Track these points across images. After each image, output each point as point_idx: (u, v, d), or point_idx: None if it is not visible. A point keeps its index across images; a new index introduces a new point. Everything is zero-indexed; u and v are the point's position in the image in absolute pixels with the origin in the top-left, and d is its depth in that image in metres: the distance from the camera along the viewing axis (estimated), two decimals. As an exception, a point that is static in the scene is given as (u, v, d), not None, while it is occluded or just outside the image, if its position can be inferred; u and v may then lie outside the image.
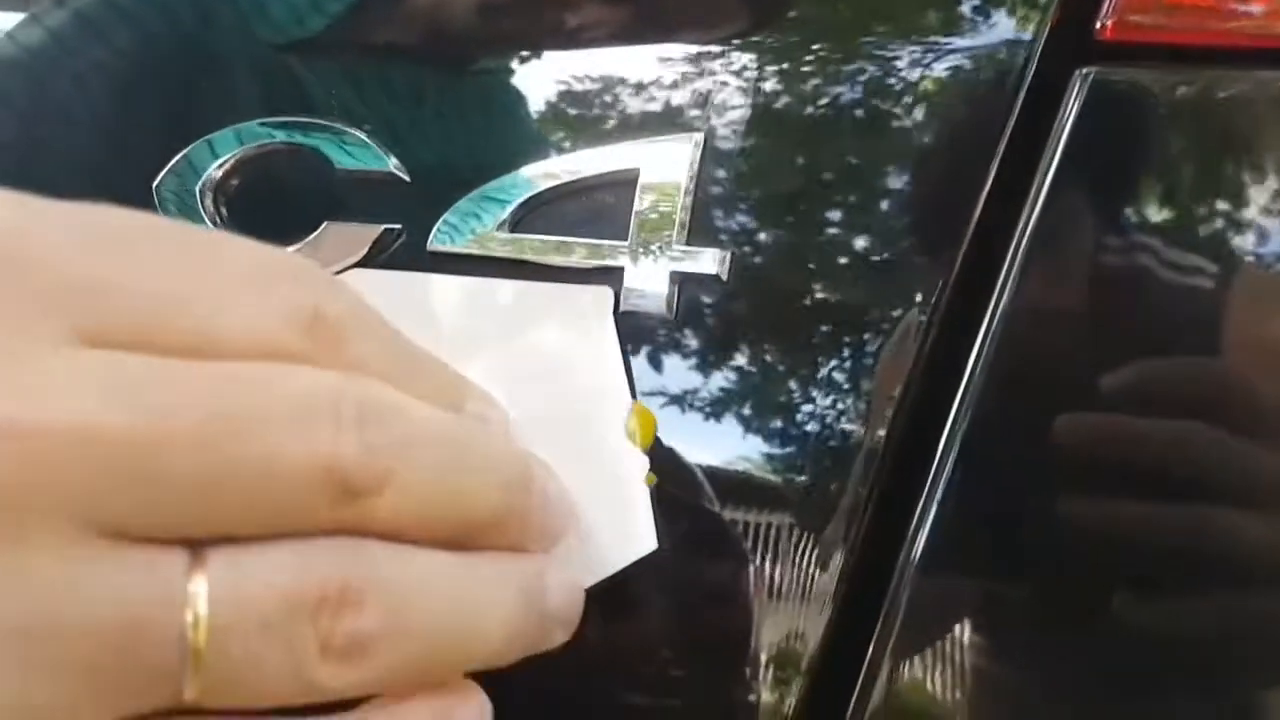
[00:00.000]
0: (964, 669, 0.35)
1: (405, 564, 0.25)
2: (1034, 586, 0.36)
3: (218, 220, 0.43)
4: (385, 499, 0.25)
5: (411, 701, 0.26)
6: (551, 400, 0.36)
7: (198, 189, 0.43)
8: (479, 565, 0.27)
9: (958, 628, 0.35)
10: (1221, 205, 0.35)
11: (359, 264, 0.41)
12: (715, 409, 0.38)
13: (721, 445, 0.38)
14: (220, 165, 0.43)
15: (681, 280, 0.38)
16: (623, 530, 0.34)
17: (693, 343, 0.38)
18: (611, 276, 0.39)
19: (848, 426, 0.37)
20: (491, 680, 0.28)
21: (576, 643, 0.30)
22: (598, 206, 0.40)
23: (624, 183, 0.39)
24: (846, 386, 0.37)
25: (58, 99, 0.46)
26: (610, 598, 0.34)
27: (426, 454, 0.26)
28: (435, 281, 0.39)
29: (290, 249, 0.41)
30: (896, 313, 0.37)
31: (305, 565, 0.24)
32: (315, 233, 0.41)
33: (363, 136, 0.42)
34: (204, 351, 0.24)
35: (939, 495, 0.35)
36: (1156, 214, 0.36)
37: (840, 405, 0.37)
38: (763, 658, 0.37)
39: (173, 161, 0.43)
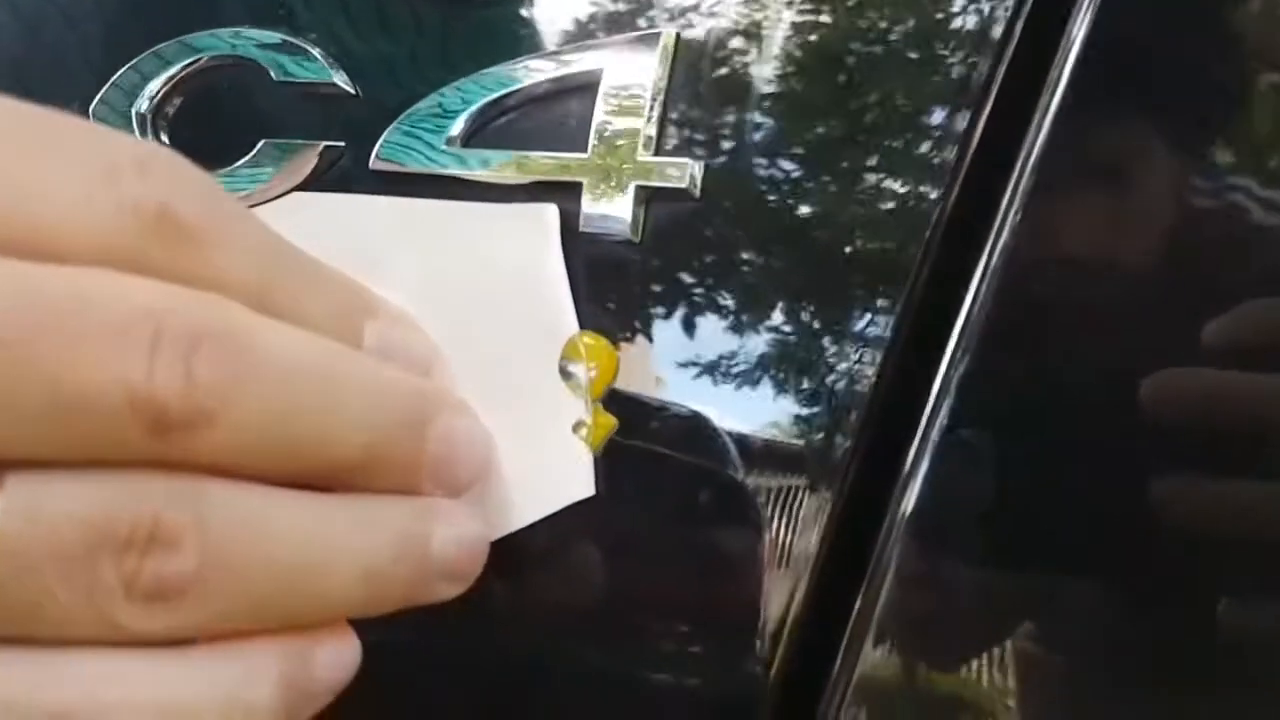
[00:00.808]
0: (955, 638, 0.30)
1: (237, 503, 0.23)
2: (1032, 550, 0.30)
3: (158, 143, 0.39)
4: (213, 435, 0.22)
5: (255, 640, 0.24)
6: (487, 330, 0.32)
7: (133, 111, 0.39)
8: (340, 508, 0.25)
9: (948, 593, 0.30)
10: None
11: (298, 186, 0.37)
12: (685, 348, 0.33)
13: (692, 390, 0.33)
14: (158, 85, 0.39)
15: (649, 197, 0.33)
16: (557, 473, 0.30)
17: (661, 270, 0.33)
18: (569, 194, 0.34)
19: (833, 370, 0.31)
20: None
21: (535, 598, 0.29)
22: (556, 117, 0.35)
23: (585, 88, 0.34)
24: (832, 324, 0.32)
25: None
26: (554, 551, 0.31)
27: (270, 389, 0.23)
28: (364, 202, 0.35)
29: (223, 171, 0.37)
30: (889, 240, 0.32)
31: (113, 498, 0.22)
32: (250, 153, 0.37)
33: (305, 46, 0.38)
34: (22, 251, 0.22)
35: (931, 448, 0.30)
36: (1192, 130, 0.30)
37: (824, 346, 0.32)
38: (736, 621, 0.32)
39: (107, 84, 0.39)
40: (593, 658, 0.33)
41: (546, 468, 0.30)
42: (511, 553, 0.31)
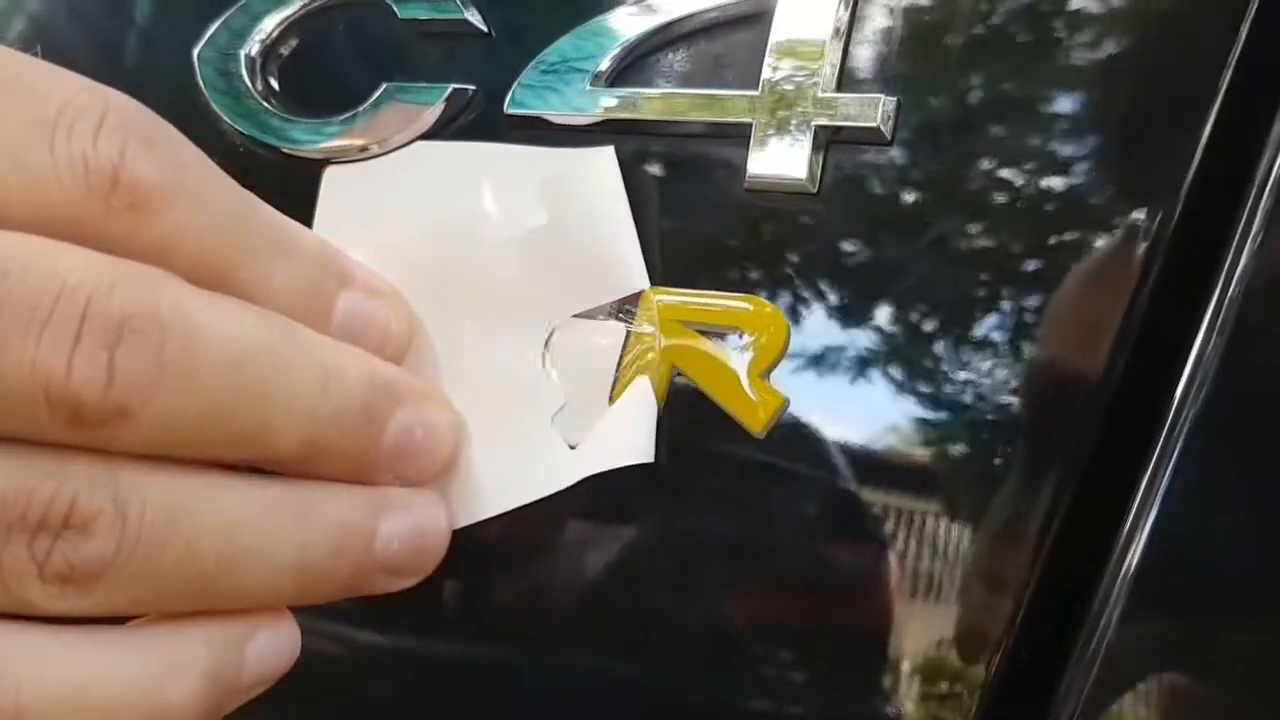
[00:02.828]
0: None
1: (160, 489, 0.22)
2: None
3: (266, 91, 0.35)
4: (136, 429, 0.21)
5: (185, 624, 0.23)
6: (530, 287, 0.29)
7: (243, 54, 0.35)
8: (279, 497, 0.24)
9: (1185, 658, 0.25)
10: None
11: (425, 134, 0.33)
12: (867, 323, 0.28)
13: (877, 377, 0.28)
14: (270, 26, 0.35)
15: (829, 139, 0.28)
16: (542, 456, 0.28)
17: (844, 227, 0.29)
18: (734, 140, 0.29)
19: (1049, 365, 0.26)
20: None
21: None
22: (718, 51, 0.30)
23: (754, 16, 0.30)
24: (1053, 301, 0.27)
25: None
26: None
27: (199, 382, 0.22)
28: (411, 153, 0.32)
29: (342, 117, 0.34)
30: (1122, 214, 0.26)
31: (28, 477, 0.21)
32: (372, 97, 0.33)
33: (433, -21, 0.34)
34: None
35: (1170, 470, 0.25)
36: None
37: (1042, 330, 0.27)
38: (904, 670, 0.27)
39: (214, 25, 0.36)
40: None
41: (529, 452, 0.28)
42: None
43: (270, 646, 0.24)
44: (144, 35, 0.38)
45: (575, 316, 0.29)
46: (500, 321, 0.29)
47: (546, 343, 0.29)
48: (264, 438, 0.23)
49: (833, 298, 0.28)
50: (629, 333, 0.29)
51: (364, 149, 0.34)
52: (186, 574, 0.23)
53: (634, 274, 0.29)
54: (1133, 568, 0.26)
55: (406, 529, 0.26)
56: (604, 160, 0.30)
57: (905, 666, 0.27)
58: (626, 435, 0.28)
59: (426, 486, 0.27)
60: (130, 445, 0.22)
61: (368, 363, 0.25)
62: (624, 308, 0.30)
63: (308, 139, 0.34)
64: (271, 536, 0.24)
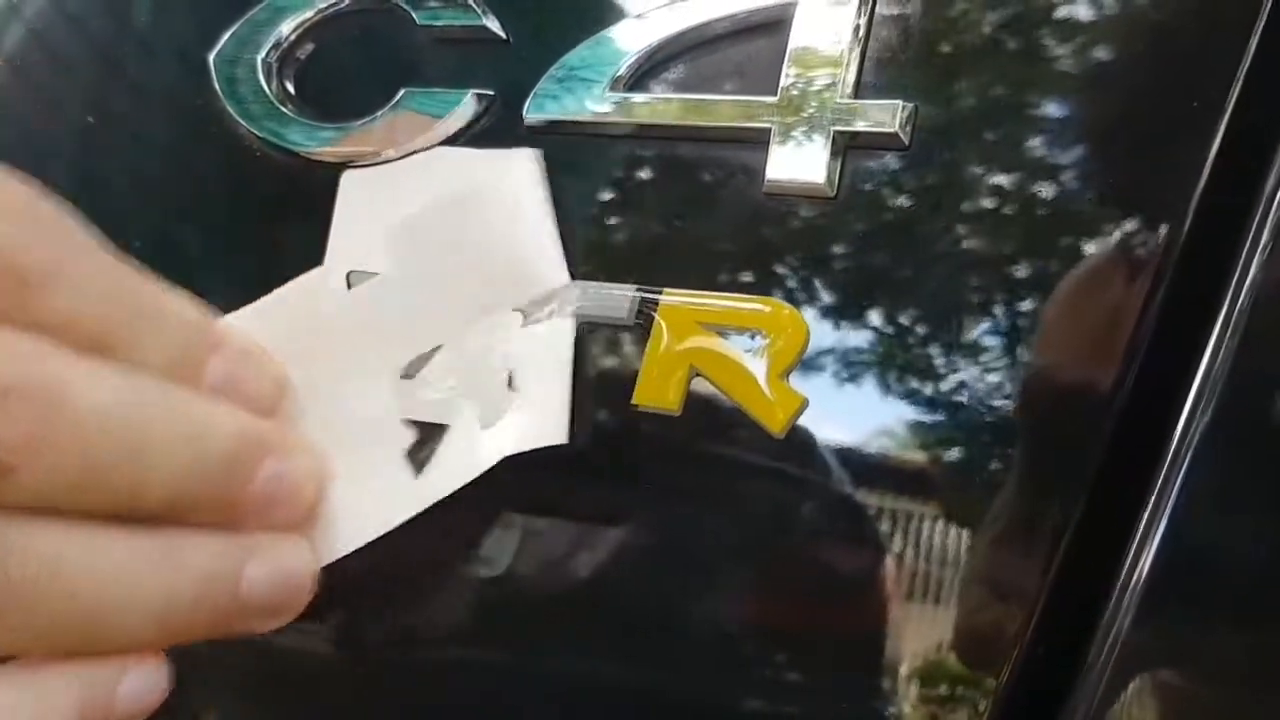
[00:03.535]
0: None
1: (36, 541, 0.24)
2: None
3: (283, 95, 0.35)
4: (15, 485, 0.23)
5: (55, 665, 0.25)
6: (455, 286, 0.30)
7: (259, 59, 0.36)
8: (148, 547, 0.25)
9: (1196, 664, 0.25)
10: None
11: (447, 140, 0.33)
12: (884, 326, 0.29)
13: (893, 381, 0.28)
14: (287, 30, 0.36)
15: (847, 145, 0.29)
16: (392, 485, 0.30)
17: (861, 230, 0.29)
18: (753, 144, 0.30)
19: (1061, 371, 0.27)
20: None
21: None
22: (737, 57, 0.31)
23: (772, 23, 0.30)
24: (1065, 307, 0.27)
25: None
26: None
27: (74, 444, 0.24)
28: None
29: (360, 122, 0.34)
30: (1134, 224, 0.27)
31: None
32: (391, 102, 0.34)
33: (451, -13, 0.34)
34: None
35: (1181, 477, 0.25)
36: None
37: (1055, 336, 0.27)
38: (912, 670, 0.27)
39: (232, 29, 0.36)
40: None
41: (380, 485, 0.30)
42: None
43: (140, 685, 0.26)
44: (160, 41, 0.39)
45: (485, 315, 0.31)
46: (381, 347, 0.31)
47: (425, 360, 0.31)
48: (138, 492, 0.25)
49: (851, 300, 0.29)
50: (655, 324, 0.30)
51: (381, 154, 0.34)
52: (63, 621, 0.24)
53: (552, 269, 0.31)
54: (1144, 575, 0.26)
55: (271, 574, 0.27)
56: (531, 161, 0.31)
57: (916, 671, 0.28)
58: (536, 419, 0.30)
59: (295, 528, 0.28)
60: (10, 499, 0.23)
61: (236, 417, 0.27)
62: (642, 308, 0.30)
63: (325, 143, 0.35)
64: (141, 584, 0.25)
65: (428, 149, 0.33)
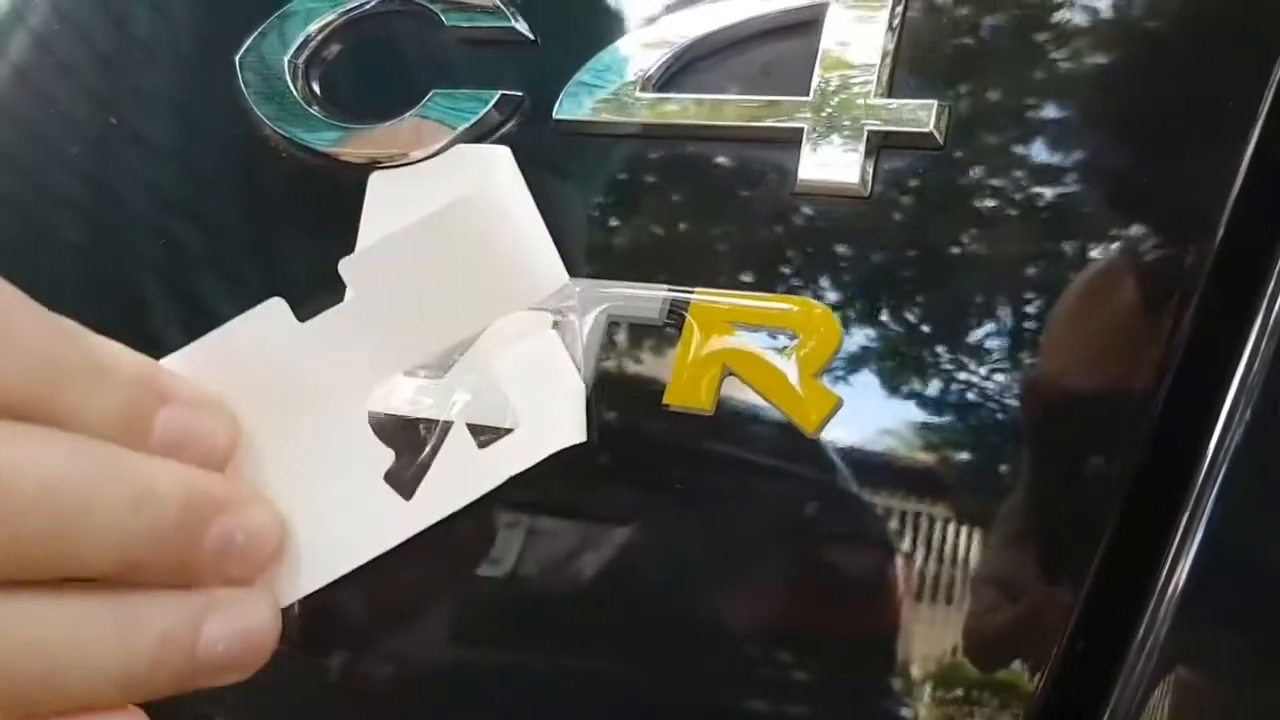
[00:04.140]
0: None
1: None
2: None
3: (309, 97, 0.35)
4: None
5: None
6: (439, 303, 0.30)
7: (286, 60, 0.36)
8: (100, 612, 0.25)
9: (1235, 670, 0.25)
10: None
11: (474, 139, 0.33)
12: (921, 327, 0.28)
13: (928, 381, 0.28)
14: (314, 31, 0.36)
15: (880, 144, 0.29)
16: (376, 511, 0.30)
17: (896, 230, 0.29)
18: (785, 144, 0.30)
19: (1101, 374, 0.27)
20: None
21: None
22: (768, 56, 0.31)
23: (803, 23, 0.30)
24: (1102, 308, 0.27)
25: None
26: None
27: (12, 516, 0.23)
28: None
29: (386, 125, 0.34)
30: (1170, 229, 0.27)
31: None
32: (420, 104, 0.34)
33: (478, -12, 0.34)
34: None
35: (1219, 482, 0.25)
36: None
37: (1096, 340, 0.27)
38: (947, 675, 0.27)
39: (258, 30, 0.36)
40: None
41: (358, 514, 0.30)
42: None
43: None
44: (186, 41, 0.39)
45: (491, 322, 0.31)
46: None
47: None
48: (80, 559, 0.24)
49: (885, 300, 0.29)
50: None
51: (409, 154, 0.34)
52: (21, 688, 0.24)
53: (549, 268, 0.31)
54: (1182, 580, 0.26)
55: (229, 633, 0.27)
56: (500, 157, 0.31)
57: (950, 676, 0.27)
58: (547, 425, 0.30)
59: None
60: None
61: (185, 475, 0.27)
62: (673, 308, 0.30)
63: (350, 144, 0.35)
64: (96, 648, 0.25)
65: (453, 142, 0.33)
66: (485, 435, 0.30)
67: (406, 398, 0.31)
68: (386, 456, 0.30)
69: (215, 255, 0.36)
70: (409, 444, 0.30)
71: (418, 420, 0.31)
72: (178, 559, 0.26)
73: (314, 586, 0.29)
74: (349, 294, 0.30)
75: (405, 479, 0.30)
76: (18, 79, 0.40)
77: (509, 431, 0.30)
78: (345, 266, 0.30)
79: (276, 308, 0.29)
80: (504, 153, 0.32)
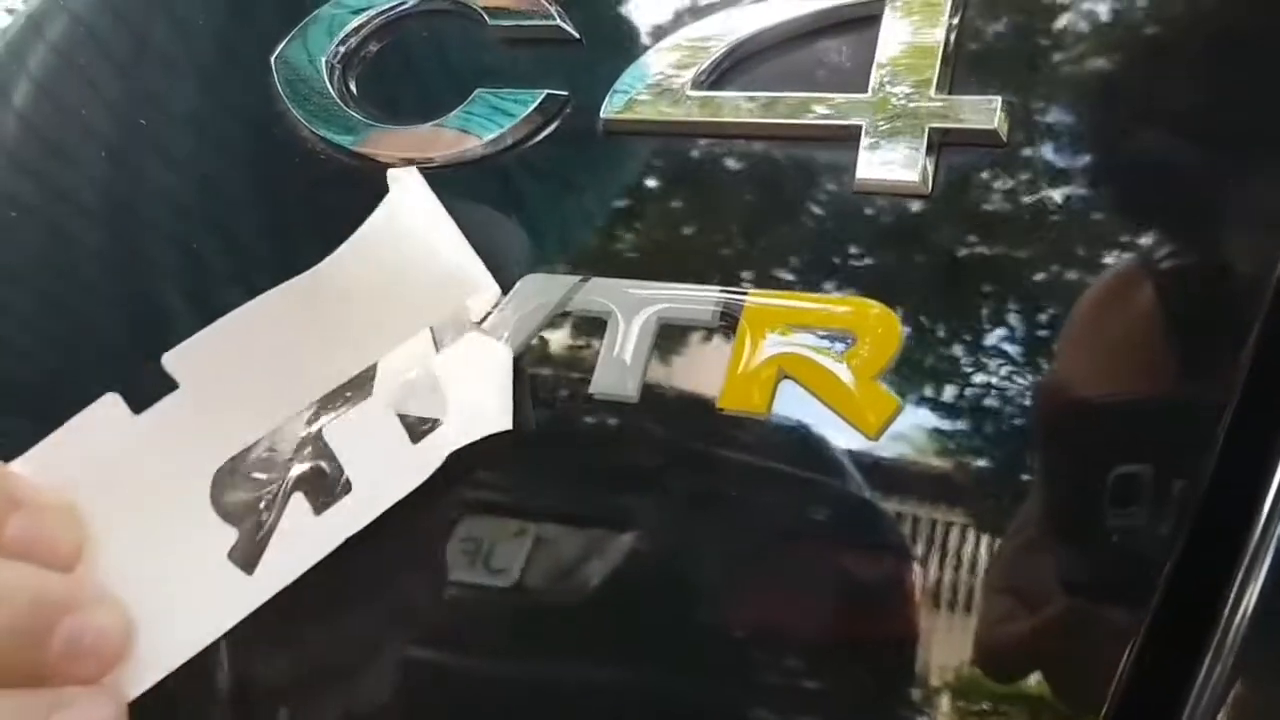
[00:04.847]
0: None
1: None
2: None
3: (346, 97, 0.35)
4: None
5: None
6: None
7: (324, 60, 0.35)
8: None
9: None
10: None
11: (520, 140, 0.32)
12: (990, 336, 0.28)
13: (991, 385, 0.27)
14: (351, 30, 0.35)
15: (941, 142, 0.28)
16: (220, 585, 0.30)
17: (959, 229, 0.28)
18: (843, 142, 0.29)
19: (1174, 383, 0.26)
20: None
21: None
22: (822, 54, 0.30)
23: (861, 19, 0.30)
24: (1178, 317, 0.26)
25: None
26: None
27: None
28: None
29: (429, 125, 0.33)
30: (1244, 224, 0.26)
31: None
32: (464, 103, 0.33)
33: (522, -13, 0.34)
34: None
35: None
36: None
37: (1165, 349, 0.26)
38: (1016, 696, 0.26)
39: (295, 30, 0.36)
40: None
41: (206, 594, 0.30)
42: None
43: None
44: (221, 41, 0.38)
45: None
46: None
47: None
48: None
49: (949, 300, 0.28)
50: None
51: (433, 158, 0.33)
52: None
53: (477, 282, 0.31)
54: (1252, 602, 0.25)
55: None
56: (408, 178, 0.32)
57: (1020, 697, 0.27)
58: (479, 405, 0.30)
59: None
60: None
61: (34, 578, 0.28)
62: (726, 310, 0.29)
63: (373, 143, 0.34)
64: None
65: (502, 150, 0.33)
66: (324, 497, 0.31)
67: (245, 475, 0.32)
68: (228, 536, 0.31)
69: (253, 257, 0.36)
70: (249, 520, 0.31)
71: (256, 495, 0.31)
72: (26, 659, 0.27)
73: (160, 676, 0.30)
74: (183, 381, 0.31)
75: (247, 555, 0.31)
76: (45, 84, 0.40)
77: (348, 491, 0.31)
78: (168, 361, 0.31)
79: (111, 403, 0.31)
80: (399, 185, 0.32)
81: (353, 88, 0.35)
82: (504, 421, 0.30)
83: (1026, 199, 0.28)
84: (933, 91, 0.28)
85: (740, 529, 0.29)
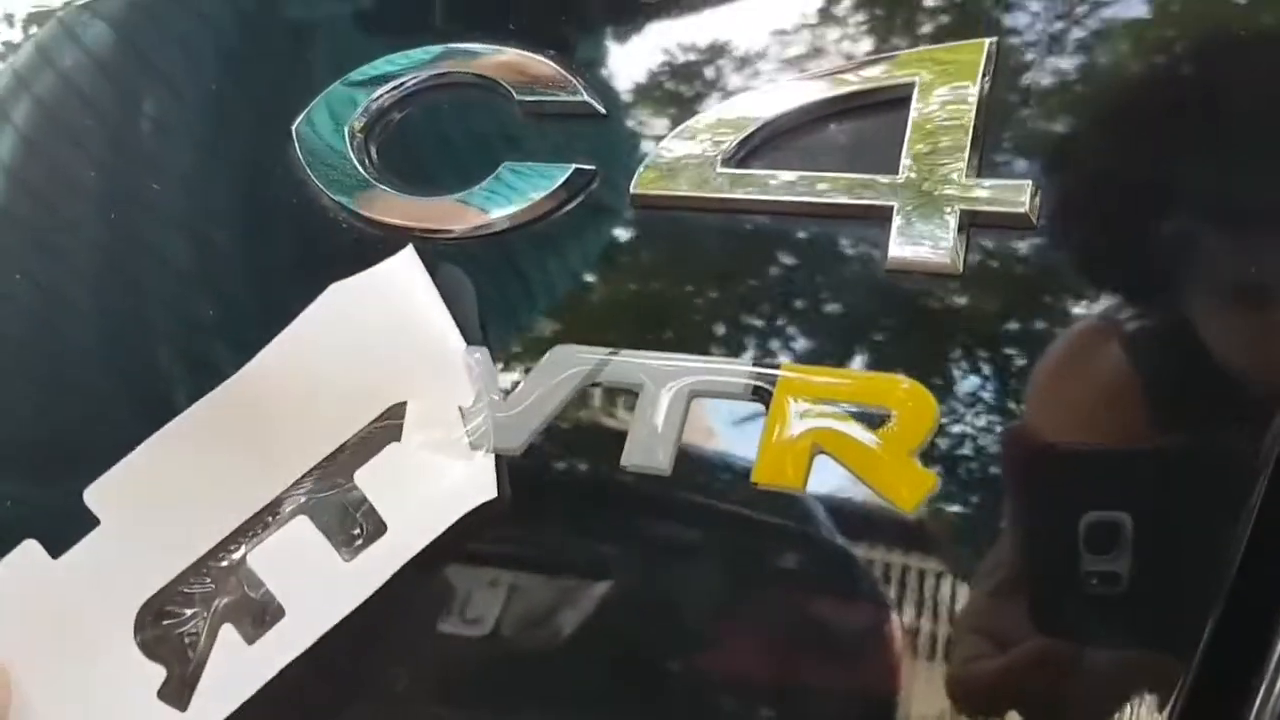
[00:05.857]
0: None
1: None
2: None
3: (367, 167, 0.35)
4: None
5: None
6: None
7: (346, 130, 0.35)
8: None
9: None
10: None
11: (543, 214, 0.33)
12: (1019, 406, 0.28)
13: (1034, 457, 0.28)
14: (373, 100, 0.35)
15: (972, 223, 0.29)
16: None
17: (990, 310, 0.29)
18: (873, 221, 0.30)
19: (1209, 443, 0.27)
20: None
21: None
22: (855, 132, 0.31)
23: (891, 102, 0.30)
24: (1203, 382, 0.27)
25: (181, 30, 0.39)
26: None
27: None
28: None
29: (452, 197, 0.33)
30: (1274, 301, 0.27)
31: None
32: (489, 177, 0.33)
33: (548, 62, 0.34)
34: None
35: None
36: None
37: (1195, 410, 0.27)
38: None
39: (317, 100, 0.36)
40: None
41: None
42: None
43: None
44: (243, 109, 0.38)
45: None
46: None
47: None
48: None
49: (982, 378, 0.28)
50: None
51: (452, 230, 0.33)
52: None
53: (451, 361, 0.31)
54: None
55: None
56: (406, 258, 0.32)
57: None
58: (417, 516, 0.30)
59: None
60: None
61: None
62: (759, 384, 0.30)
63: (406, 215, 0.34)
64: None
65: (526, 223, 0.33)
66: (255, 627, 0.30)
67: (170, 610, 0.31)
68: (157, 675, 0.30)
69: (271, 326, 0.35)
70: (177, 656, 0.31)
71: (182, 631, 0.31)
72: None
73: None
74: (104, 519, 0.31)
75: (179, 693, 0.30)
76: (64, 142, 0.39)
77: (280, 618, 0.30)
78: (89, 496, 0.31)
79: (29, 549, 0.31)
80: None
81: (374, 156, 0.35)
82: (439, 526, 0.29)
83: (1056, 280, 0.28)
84: (964, 173, 0.29)
85: (783, 605, 0.29)
